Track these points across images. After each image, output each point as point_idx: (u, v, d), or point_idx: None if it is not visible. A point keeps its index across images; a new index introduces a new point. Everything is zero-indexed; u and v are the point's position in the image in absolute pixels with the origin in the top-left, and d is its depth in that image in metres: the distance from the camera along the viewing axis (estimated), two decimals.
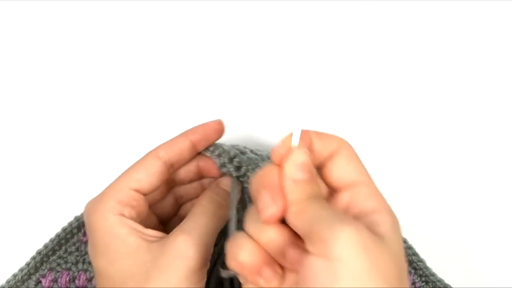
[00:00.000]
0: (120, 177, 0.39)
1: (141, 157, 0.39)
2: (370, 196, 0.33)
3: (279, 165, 0.31)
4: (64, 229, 0.47)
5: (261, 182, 0.31)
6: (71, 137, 0.50)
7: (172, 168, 0.39)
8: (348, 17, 0.51)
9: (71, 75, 0.51)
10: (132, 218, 0.36)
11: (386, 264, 0.28)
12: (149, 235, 0.36)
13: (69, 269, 0.47)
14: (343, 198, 0.33)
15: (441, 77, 0.51)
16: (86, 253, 0.47)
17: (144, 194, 0.38)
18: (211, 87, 0.51)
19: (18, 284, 0.47)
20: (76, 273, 0.47)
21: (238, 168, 0.40)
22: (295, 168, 0.31)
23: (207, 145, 0.41)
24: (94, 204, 0.37)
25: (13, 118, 0.51)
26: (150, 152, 0.39)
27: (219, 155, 0.41)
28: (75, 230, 0.47)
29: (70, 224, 0.47)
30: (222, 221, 0.38)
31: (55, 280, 0.47)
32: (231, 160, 0.40)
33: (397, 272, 0.29)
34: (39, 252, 0.47)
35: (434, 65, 0.51)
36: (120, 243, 0.35)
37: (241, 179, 0.40)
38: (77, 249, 0.47)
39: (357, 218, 0.31)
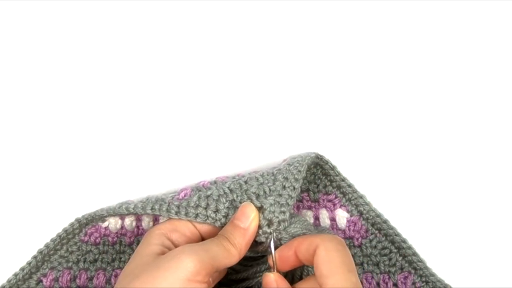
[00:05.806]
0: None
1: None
2: None
3: None
4: (65, 230, 0.47)
5: None
6: (72, 136, 0.50)
7: None
8: (348, 17, 0.52)
9: (71, 76, 0.51)
10: (176, 243, 0.41)
11: None
12: None
13: (70, 268, 0.47)
14: None
15: (440, 78, 0.52)
16: (87, 252, 0.47)
17: (201, 235, 0.42)
18: (211, 91, 0.51)
19: (19, 283, 0.47)
20: (77, 272, 0.47)
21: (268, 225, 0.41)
22: None
23: None
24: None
25: (14, 118, 0.50)
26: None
27: None
28: (76, 231, 0.47)
29: (72, 225, 0.47)
30: (228, 263, 0.40)
31: (56, 279, 0.47)
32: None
33: None
34: (40, 251, 0.47)
35: (433, 66, 0.52)
36: (145, 250, 0.40)
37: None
38: (78, 248, 0.47)
39: None
